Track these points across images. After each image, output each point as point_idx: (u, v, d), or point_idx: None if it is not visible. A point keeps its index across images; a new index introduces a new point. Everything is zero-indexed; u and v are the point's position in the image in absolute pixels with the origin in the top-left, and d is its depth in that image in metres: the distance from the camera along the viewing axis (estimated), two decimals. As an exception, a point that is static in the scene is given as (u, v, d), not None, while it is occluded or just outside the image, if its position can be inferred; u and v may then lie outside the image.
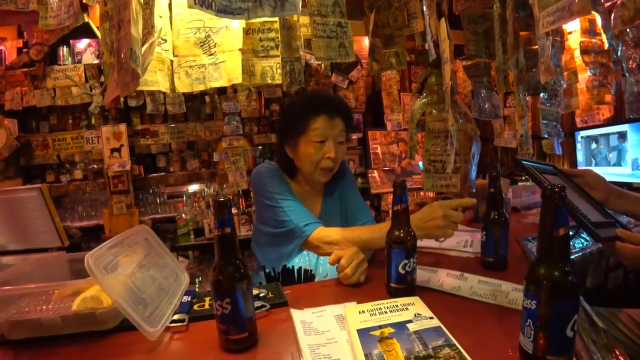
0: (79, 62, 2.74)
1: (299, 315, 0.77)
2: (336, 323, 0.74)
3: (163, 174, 2.97)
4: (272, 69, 1.29)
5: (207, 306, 0.85)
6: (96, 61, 2.72)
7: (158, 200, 2.99)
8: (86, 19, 1.23)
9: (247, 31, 1.27)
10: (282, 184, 1.20)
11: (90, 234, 2.75)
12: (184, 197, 2.99)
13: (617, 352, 0.64)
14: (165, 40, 1.20)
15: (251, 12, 0.87)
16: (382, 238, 0.87)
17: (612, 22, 1.48)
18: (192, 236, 2.81)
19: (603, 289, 1.35)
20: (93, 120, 2.83)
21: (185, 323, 0.78)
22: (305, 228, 1.10)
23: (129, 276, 0.77)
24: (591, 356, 0.61)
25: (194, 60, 1.24)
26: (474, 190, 1.43)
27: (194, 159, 3.02)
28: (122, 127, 2.68)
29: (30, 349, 0.73)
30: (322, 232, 1.10)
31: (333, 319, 0.75)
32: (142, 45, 0.86)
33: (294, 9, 0.93)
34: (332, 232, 1.10)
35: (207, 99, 2.91)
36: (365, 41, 2.42)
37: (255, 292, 0.87)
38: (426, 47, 1.28)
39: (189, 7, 0.82)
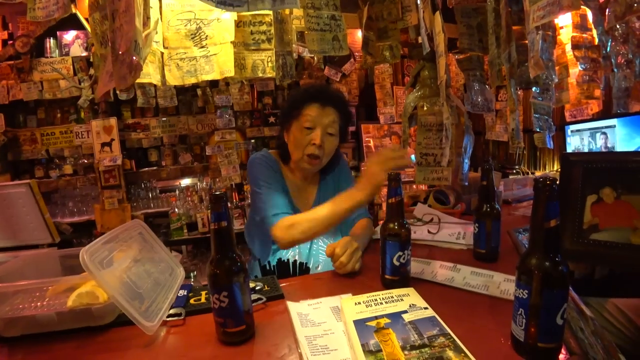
0: (67, 54, 2.68)
1: (295, 308, 0.78)
2: (332, 314, 0.75)
3: (155, 168, 2.94)
4: (263, 62, 1.28)
5: (203, 300, 0.85)
6: (84, 53, 2.66)
7: (150, 195, 2.96)
8: (74, 10, 1.20)
9: (238, 24, 1.25)
10: (270, 172, 1.20)
11: (82, 229, 2.72)
12: (177, 192, 2.97)
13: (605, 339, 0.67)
14: (156, 32, 1.18)
15: (251, 5, 0.85)
16: (346, 209, 0.89)
17: (605, 17, 1.50)
18: (185, 230, 2.81)
19: (590, 279, 1.38)
20: (82, 114, 2.77)
21: (182, 317, 0.78)
22: (273, 218, 1.08)
23: (124, 271, 0.77)
24: (579, 343, 0.63)
25: (185, 53, 1.22)
26: (467, 184, 1.45)
27: (186, 153, 2.99)
28: (113, 121, 2.64)
29: (26, 346, 0.73)
30: (285, 221, 1.07)
31: (329, 311, 0.77)
32: None
33: (294, 2, 0.92)
34: (295, 217, 1.08)
35: (199, 92, 2.88)
36: (358, 34, 2.41)
37: (251, 285, 0.88)
38: (419, 41, 1.28)
39: None
